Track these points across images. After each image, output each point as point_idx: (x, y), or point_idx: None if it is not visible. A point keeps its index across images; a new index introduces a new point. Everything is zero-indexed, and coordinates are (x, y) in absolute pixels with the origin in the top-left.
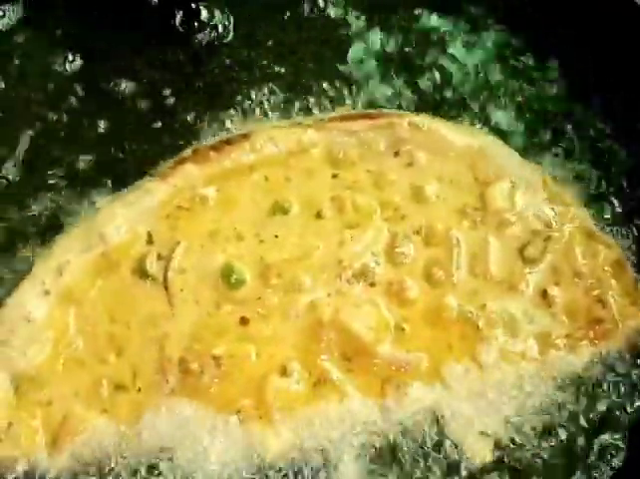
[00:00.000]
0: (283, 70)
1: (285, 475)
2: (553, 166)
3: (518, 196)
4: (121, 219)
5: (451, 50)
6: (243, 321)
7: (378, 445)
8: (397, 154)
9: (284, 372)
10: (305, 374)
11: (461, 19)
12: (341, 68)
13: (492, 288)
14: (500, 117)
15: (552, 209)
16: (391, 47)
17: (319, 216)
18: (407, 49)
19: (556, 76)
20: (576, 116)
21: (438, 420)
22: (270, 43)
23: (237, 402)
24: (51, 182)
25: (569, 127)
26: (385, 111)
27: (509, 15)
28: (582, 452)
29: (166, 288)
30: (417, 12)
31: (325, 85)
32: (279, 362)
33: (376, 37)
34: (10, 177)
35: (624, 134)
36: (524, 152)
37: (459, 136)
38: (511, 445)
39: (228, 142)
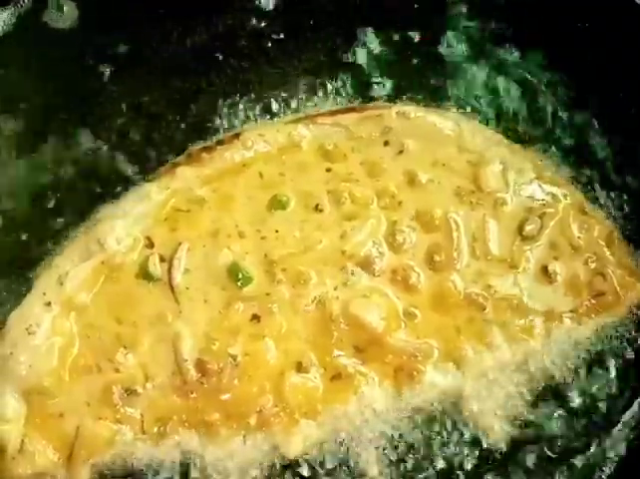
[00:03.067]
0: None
1: (309, 469)
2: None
3: (510, 176)
4: (119, 226)
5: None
6: (255, 318)
7: (396, 433)
8: (387, 143)
9: (300, 368)
10: (321, 370)
11: None
12: None
13: (495, 268)
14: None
15: (543, 186)
16: None
17: (317, 209)
18: None
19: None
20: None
21: (453, 404)
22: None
23: (257, 401)
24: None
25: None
26: (372, 103)
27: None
28: (597, 428)
29: (172, 287)
30: None
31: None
32: (294, 358)
33: None
34: None
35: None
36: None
37: (446, 122)
38: (526, 423)
39: (220, 142)
